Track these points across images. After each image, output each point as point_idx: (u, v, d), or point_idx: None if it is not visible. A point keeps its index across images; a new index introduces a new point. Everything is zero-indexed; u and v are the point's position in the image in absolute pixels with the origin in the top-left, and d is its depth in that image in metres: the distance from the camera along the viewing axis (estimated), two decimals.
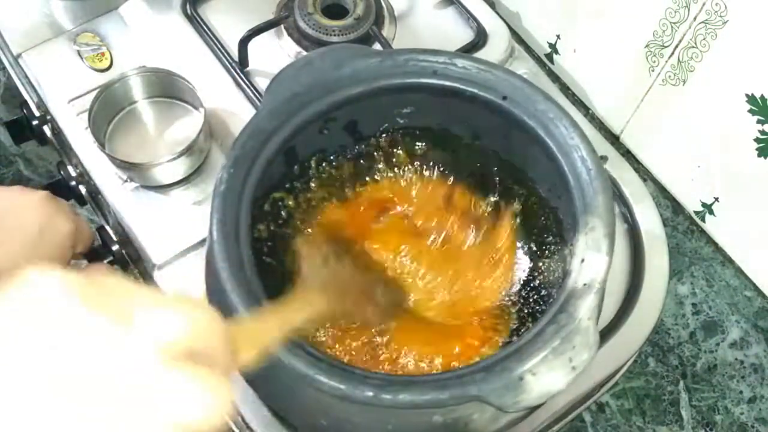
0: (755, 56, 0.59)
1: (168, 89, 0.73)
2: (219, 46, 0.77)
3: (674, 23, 0.65)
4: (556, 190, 0.59)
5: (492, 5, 0.84)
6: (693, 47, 0.64)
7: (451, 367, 0.59)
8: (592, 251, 0.52)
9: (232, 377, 0.32)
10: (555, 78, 0.82)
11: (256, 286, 0.50)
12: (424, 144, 0.66)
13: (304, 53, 0.77)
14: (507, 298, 0.63)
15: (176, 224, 0.69)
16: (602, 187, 0.54)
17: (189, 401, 0.29)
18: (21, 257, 0.60)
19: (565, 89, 0.81)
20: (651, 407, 0.84)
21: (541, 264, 0.63)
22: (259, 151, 0.56)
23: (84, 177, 0.75)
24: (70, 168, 0.77)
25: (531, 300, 0.62)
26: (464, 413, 0.50)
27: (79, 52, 0.77)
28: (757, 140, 0.62)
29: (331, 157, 0.65)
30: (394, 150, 0.66)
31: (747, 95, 0.61)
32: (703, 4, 0.61)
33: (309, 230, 0.65)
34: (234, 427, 0.61)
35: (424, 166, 0.67)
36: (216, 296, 0.52)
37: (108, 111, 0.71)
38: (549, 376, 0.47)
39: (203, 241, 0.67)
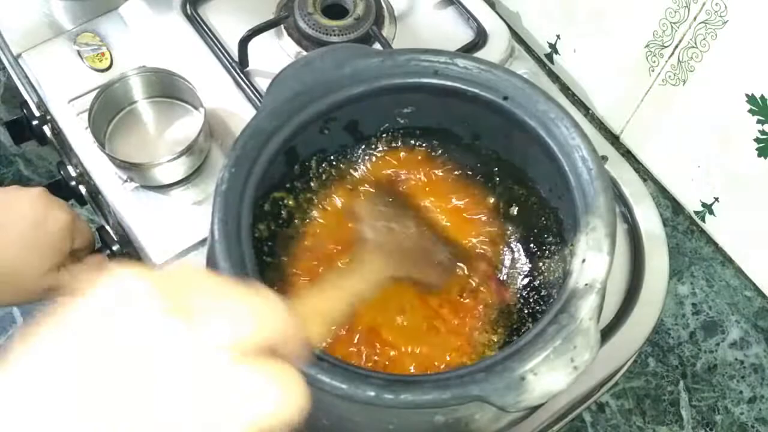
0: (755, 56, 0.59)
1: (168, 89, 0.73)
2: (219, 46, 0.77)
3: (674, 23, 0.65)
4: (556, 190, 0.59)
5: (492, 5, 0.84)
6: (693, 47, 0.64)
7: (451, 366, 0.59)
8: (593, 251, 0.52)
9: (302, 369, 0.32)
10: (555, 78, 0.82)
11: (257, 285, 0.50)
12: (424, 144, 0.66)
13: (304, 53, 0.77)
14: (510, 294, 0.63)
15: (176, 224, 0.69)
16: (603, 187, 0.54)
17: (265, 399, 0.29)
18: (16, 251, 0.60)
19: (565, 89, 0.81)
20: (651, 407, 0.84)
21: (541, 264, 0.63)
22: (260, 151, 0.56)
23: (84, 177, 0.75)
24: (70, 168, 0.77)
25: (531, 300, 0.62)
26: (466, 413, 0.50)
27: (79, 52, 0.77)
28: (757, 140, 0.62)
29: (332, 157, 0.65)
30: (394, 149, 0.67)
31: (747, 95, 0.61)
32: (703, 4, 0.61)
33: (362, 193, 0.64)
34: None
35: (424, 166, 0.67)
36: None
37: (108, 111, 0.71)
38: (550, 376, 0.47)
39: (203, 241, 0.67)
